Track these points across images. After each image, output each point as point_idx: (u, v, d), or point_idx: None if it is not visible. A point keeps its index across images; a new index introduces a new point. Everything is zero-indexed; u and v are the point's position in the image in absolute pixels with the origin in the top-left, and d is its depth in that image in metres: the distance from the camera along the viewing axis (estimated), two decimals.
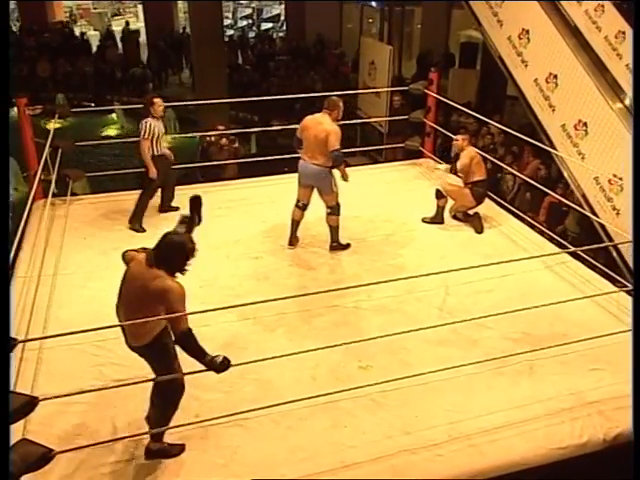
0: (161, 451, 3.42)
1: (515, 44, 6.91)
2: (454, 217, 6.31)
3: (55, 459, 3.04)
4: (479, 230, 6.06)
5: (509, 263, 4.84)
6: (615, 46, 5.83)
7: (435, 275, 4.59)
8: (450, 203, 6.26)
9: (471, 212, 6.21)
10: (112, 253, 5.63)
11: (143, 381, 3.52)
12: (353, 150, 8.81)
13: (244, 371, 4.05)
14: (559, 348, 4.20)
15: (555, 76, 6.40)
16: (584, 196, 6.16)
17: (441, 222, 6.24)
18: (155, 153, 5.94)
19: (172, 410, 3.41)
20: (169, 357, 3.38)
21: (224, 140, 8.29)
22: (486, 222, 6.24)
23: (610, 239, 5.81)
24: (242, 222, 6.31)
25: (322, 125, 5.40)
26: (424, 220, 6.26)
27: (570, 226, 6.95)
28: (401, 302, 4.93)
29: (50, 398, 3.33)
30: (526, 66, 6.83)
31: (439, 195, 6.09)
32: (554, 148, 6.48)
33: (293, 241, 5.78)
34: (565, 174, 6.34)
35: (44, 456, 2.94)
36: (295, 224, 5.77)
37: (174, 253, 3.33)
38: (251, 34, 22.23)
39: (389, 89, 9.03)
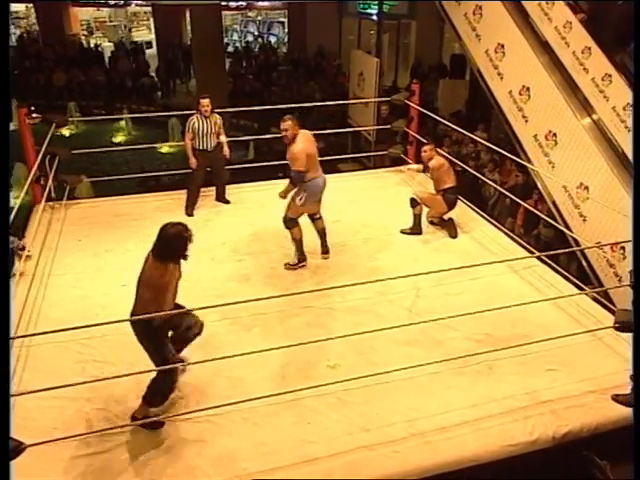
0: (144, 419, 3.55)
1: (492, 57, 6.90)
2: (431, 222, 6.29)
3: (33, 451, 3.08)
4: (453, 235, 6.04)
5: (479, 267, 4.86)
6: (582, 61, 5.79)
7: (407, 278, 4.63)
8: (426, 211, 6.24)
9: (446, 217, 6.19)
10: (104, 255, 5.68)
11: (119, 376, 3.56)
12: (341, 157, 8.85)
13: (218, 369, 4.09)
14: (518, 349, 4.18)
15: (528, 88, 6.37)
16: (554, 203, 6.13)
17: (419, 233, 6.17)
18: (197, 147, 6.32)
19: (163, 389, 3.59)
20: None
21: None
22: (461, 227, 6.22)
23: (577, 245, 5.77)
24: (230, 226, 6.33)
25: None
26: (403, 231, 6.18)
27: (543, 231, 6.92)
28: (374, 304, 4.93)
29: (27, 393, 3.37)
30: (502, 78, 6.81)
31: (414, 204, 6.07)
32: (527, 157, 6.46)
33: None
34: (537, 182, 6.30)
35: (15, 449, 2.96)
36: (320, 234, 5.65)
37: (173, 243, 3.53)
38: (256, 45, 22.27)
39: (375, 100, 9.02)
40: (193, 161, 6.36)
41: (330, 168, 8.54)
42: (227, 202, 6.78)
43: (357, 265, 5.54)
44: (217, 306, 4.52)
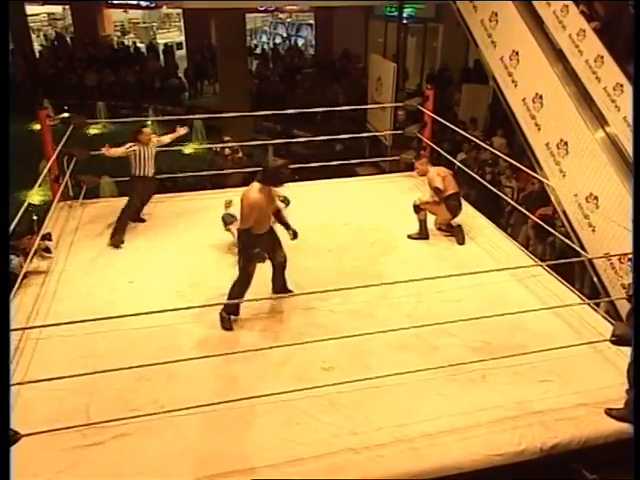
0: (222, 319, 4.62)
1: (507, 64, 6.85)
2: (439, 229, 6.28)
3: (31, 441, 3.21)
4: (460, 241, 6.02)
5: (482, 274, 4.84)
6: (594, 70, 5.71)
7: (409, 283, 4.64)
8: (431, 217, 6.23)
9: (454, 224, 6.17)
10: (114, 252, 5.84)
11: (118, 369, 3.65)
12: (354, 162, 8.87)
13: (214, 366, 4.19)
14: (514, 358, 4.15)
15: (541, 96, 6.31)
16: (565, 212, 6.06)
17: (426, 237, 6.18)
18: (137, 174, 6.12)
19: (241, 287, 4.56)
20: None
21: (227, 150, 8.44)
22: (469, 234, 6.20)
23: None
24: None
25: None
26: (410, 236, 6.20)
27: (558, 239, 6.85)
28: (374, 307, 4.95)
29: (24, 383, 3.50)
30: (516, 86, 6.76)
31: (417, 210, 6.08)
32: (539, 165, 6.39)
33: None
34: (549, 191, 6.24)
35: (11, 437, 3.09)
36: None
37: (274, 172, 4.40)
38: (284, 47, 22.44)
39: (388, 105, 9.03)
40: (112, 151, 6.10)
41: (347, 172, 8.70)
42: (143, 220, 6.48)
43: (361, 268, 5.57)
44: (219, 304, 4.67)
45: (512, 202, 6.65)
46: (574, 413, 3.80)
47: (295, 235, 4.93)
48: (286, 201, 6.29)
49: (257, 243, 4.54)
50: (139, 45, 22.38)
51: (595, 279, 5.53)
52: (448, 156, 6.87)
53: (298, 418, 3.77)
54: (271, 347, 4.29)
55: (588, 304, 4.92)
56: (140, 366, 3.77)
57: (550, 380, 4.10)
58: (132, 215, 6.19)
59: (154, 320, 4.38)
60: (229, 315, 4.70)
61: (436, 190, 5.92)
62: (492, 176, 8.77)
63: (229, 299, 4.62)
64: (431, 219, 6.26)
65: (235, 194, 7.27)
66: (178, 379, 4.06)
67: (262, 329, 4.69)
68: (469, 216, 6.60)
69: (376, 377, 3.89)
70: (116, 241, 5.89)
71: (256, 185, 4.47)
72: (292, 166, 7.35)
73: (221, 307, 4.71)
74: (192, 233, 6.33)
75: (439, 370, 4.06)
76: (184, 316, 4.63)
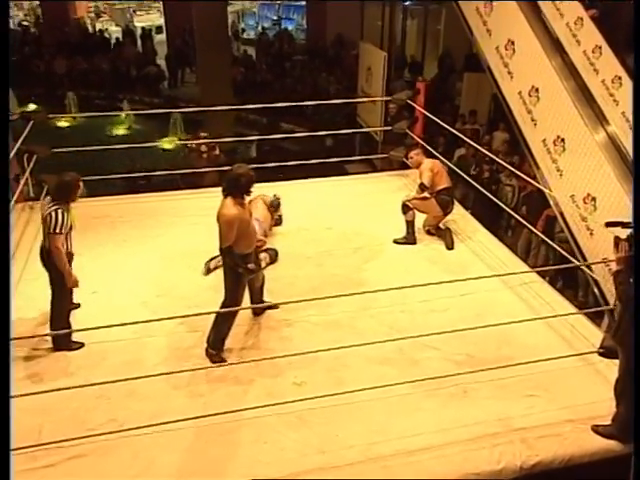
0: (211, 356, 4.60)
1: (502, 54, 6.98)
2: (427, 232, 6.44)
3: None
4: (449, 246, 6.19)
5: (470, 281, 4.98)
6: (592, 61, 5.86)
7: (392, 291, 4.79)
8: (420, 219, 6.38)
9: (443, 226, 6.33)
10: (75, 259, 5.93)
11: (73, 387, 3.78)
12: (345, 159, 9.05)
13: (178, 382, 4.34)
14: (499, 372, 4.32)
15: (537, 89, 6.46)
16: (562, 214, 6.21)
17: (413, 242, 6.33)
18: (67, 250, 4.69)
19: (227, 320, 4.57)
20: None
21: (203, 147, 8.60)
22: (459, 238, 6.37)
23: (584, 260, 5.85)
24: (212, 232, 6.41)
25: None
26: (396, 241, 6.36)
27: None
28: (353, 318, 5.11)
29: None
30: (512, 77, 6.89)
31: (405, 209, 6.24)
32: (536, 163, 6.54)
33: None
34: (546, 191, 6.39)
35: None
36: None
37: (238, 180, 4.47)
38: (273, 31, 22.59)
39: (379, 99, 9.19)
40: (75, 279, 4.67)
41: (337, 169, 8.87)
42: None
43: (342, 276, 5.72)
44: (187, 316, 4.81)
45: (504, 206, 6.77)
46: (559, 430, 3.95)
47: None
48: (275, 202, 6.45)
49: (244, 261, 4.56)
50: (114, 29, 22.53)
51: (595, 287, 5.67)
52: (439, 155, 7.00)
53: (266, 436, 3.92)
54: (240, 362, 4.44)
55: (583, 314, 5.07)
56: (100, 383, 3.93)
57: (536, 395, 4.25)
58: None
59: (116, 333, 4.56)
60: (217, 351, 4.61)
61: (421, 186, 6.07)
62: (491, 174, 8.92)
63: (214, 333, 4.59)
64: (420, 221, 6.42)
65: (210, 196, 7.52)
66: (140, 396, 4.20)
67: (231, 343, 4.81)
68: (460, 218, 6.77)
69: (350, 392, 4.05)
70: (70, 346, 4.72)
71: (227, 201, 4.45)
72: (277, 164, 7.67)
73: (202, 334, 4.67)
74: (163, 238, 6.48)
75: (418, 384, 4.24)
76: (149, 329, 4.77)
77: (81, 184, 4.73)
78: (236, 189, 4.47)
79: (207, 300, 5.33)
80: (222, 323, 4.61)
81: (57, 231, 4.48)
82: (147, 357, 4.63)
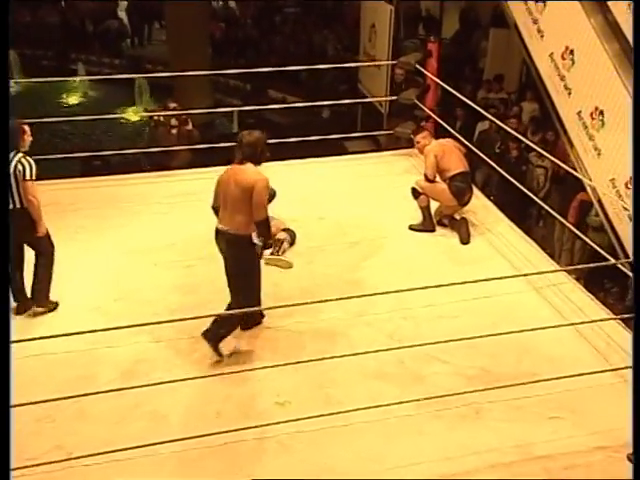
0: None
1: (531, 9, 7.10)
2: (439, 223, 6.57)
3: None
4: (464, 240, 6.32)
5: (487, 282, 5.09)
6: None
7: (393, 294, 4.91)
8: (434, 205, 6.52)
9: (458, 217, 6.45)
10: None
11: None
12: (343, 136, 9.13)
13: (139, 401, 4.46)
14: (518, 389, 4.43)
15: (572, 51, 6.56)
16: (600, 201, 6.33)
17: (432, 229, 6.50)
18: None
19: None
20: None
21: (174, 120, 8.69)
22: (477, 230, 6.49)
23: (627, 256, 5.97)
24: (182, 222, 6.69)
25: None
26: (412, 228, 6.54)
27: (591, 234, 7.15)
28: (347, 326, 5.25)
29: None
30: (542, 37, 7.01)
31: (416, 194, 6.37)
32: (570, 140, 6.66)
33: None
34: (579, 173, 6.51)
35: None
36: None
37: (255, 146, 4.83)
38: None
39: (384, 62, 9.28)
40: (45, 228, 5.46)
41: (333, 148, 8.97)
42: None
43: (335, 276, 5.86)
44: (150, 324, 4.92)
45: (528, 192, 6.86)
46: (588, 459, 4.07)
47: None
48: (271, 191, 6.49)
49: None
50: None
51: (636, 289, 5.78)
52: (454, 132, 7.11)
53: (241, 464, 4.04)
54: (211, 375, 4.56)
55: (621, 321, 5.17)
56: (43, 401, 4.03)
57: (561, 417, 4.37)
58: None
59: (64, 344, 4.65)
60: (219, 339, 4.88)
61: (425, 177, 6.22)
62: (519, 153, 9.03)
63: (218, 330, 4.84)
64: (434, 207, 6.56)
65: (181, 179, 7.67)
66: (91, 419, 4.33)
67: (203, 355, 4.95)
68: (480, 207, 6.89)
69: (342, 412, 4.18)
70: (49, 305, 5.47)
71: (250, 166, 4.84)
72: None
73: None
74: (123, 230, 6.61)
75: (423, 404, 4.36)
76: (104, 339, 4.89)
77: (27, 128, 5.29)
78: (254, 157, 4.83)
79: (174, 304, 5.50)
80: (229, 322, 4.90)
81: (31, 177, 5.14)
82: (101, 372, 4.75)
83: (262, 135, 4.96)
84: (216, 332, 4.85)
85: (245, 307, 4.71)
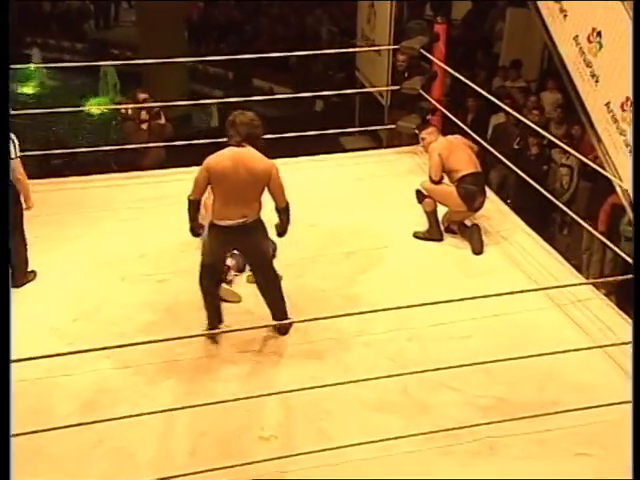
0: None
1: None
2: (447, 230, 6.57)
3: None
4: (477, 250, 6.32)
5: (503, 297, 5.07)
6: None
7: (395, 311, 4.88)
8: (442, 210, 6.51)
9: (469, 222, 6.45)
10: None
11: None
12: (338, 131, 9.12)
13: (101, 437, 4.43)
14: (539, 421, 4.42)
15: (599, 33, 6.57)
16: (632, 205, 6.32)
17: (439, 238, 6.51)
18: None
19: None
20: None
21: (144, 114, 8.66)
22: (491, 238, 6.50)
23: None
24: (154, 230, 6.69)
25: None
26: (416, 235, 6.55)
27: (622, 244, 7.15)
28: (342, 348, 5.23)
29: None
30: (565, 17, 7.01)
31: (420, 197, 6.38)
32: (597, 135, 6.65)
33: None
34: (608, 172, 6.50)
35: None
36: None
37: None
38: None
39: (385, 47, 9.29)
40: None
41: (328, 144, 8.98)
42: None
43: (329, 291, 5.86)
44: (115, 347, 4.89)
45: (549, 194, 6.86)
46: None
47: None
48: None
49: None
50: None
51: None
52: (464, 127, 7.12)
53: None
54: (185, 407, 4.52)
55: None
56: None
57: (589, 453, 4.34)
58: None
59: (16, 371, 4.59)
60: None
61: (430, 178, 6.22)
62: (540, 149, 9.03)
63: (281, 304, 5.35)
64: (442, 212, 6.55)
65: (151, 181, 7.66)
66: (47, 457, 4.29)
67: (176, 383, 4.93)
68: (495, 211, 6.89)
69: (336, 448, 4.15)
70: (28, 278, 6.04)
71: (254, 150, 5.02)
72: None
73: None
74: (85, 239, 6.61)
75: (430, 438, 4.33)
76: (62, 365, 4.85)
77: None
78: (252, 138, 5.01)
79: (141, 325, 5.47)
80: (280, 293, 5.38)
81: (16, 156, 5.73)
82: (58, 404, 4.72)
83: (253, 116, 5.07)
84: (281, 309, 5.31)
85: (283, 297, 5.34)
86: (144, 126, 8.74)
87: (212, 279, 5.30)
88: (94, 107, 13.91)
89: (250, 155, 4.98)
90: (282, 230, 5.31)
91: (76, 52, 16.33)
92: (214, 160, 5.00)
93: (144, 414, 4.28)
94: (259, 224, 5.17)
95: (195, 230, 5.25)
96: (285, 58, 13.74)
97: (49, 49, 16.45)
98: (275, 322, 5.29)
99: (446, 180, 6.39)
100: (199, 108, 13.23)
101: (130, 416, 4.33)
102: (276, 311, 5.33)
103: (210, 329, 5.28)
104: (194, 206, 5.14)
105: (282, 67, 14.38)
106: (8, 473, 3.15)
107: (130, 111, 9.03)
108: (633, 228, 3.97)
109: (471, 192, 6.27)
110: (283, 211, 5.18)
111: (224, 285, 5.70)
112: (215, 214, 5.09)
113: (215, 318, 5.34)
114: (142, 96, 8.92)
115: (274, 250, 6.06)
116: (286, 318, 5.29)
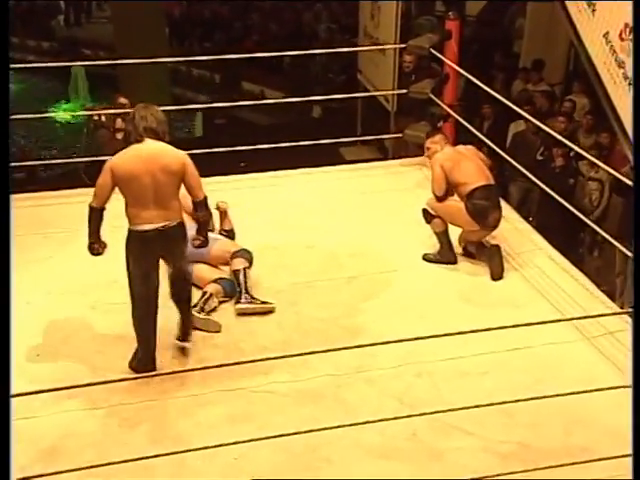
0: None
1: None
2: (464, 251, 6.56)
3: None
4: (496, 275, 6.31)
5: (526, 329, 5.05)
6: None
7: (402, 344, 4.86)
8: (455, 231, 6.51)
9: (487, 243, 6.44)
10: None
11: None
12: (337, 140, 9.12)
13: None
14: (567, 470, 4.38)
15: (632, 30, 6.60)
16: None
17: (452, 261, 6.52)
18: None
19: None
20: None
21: (119, 121, 8.68)
22: (511, 262, 6.50)
23: None
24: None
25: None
26: (426, 258, 6.56)
27: None
28: (342, 386, 5.21)
29: None
30: (594, 12, 7.04)
31: (428, 217, 6.38)
32: (629, 143, 6.66)
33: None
34: None
35: None
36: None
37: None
38: None
39: (390, 46, 9.32)
40: None
41: (326, 156, 8.99)
42: None
43: (327, 321, 5.84)
44: (83, 386, 4.87)
45: (578, 213, 6.85)
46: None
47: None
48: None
49: None
50: None
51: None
52: (480, 135, 7.13)
53: None
54: (165, 454, 4.48)
55: None
56: None
57: None
58: None
59: None
60: None
61: (434, 194, 6.28)
62: (566, 160, 9.05)
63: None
64: (455, 233, 6.56)
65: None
66: None
67: (152, 427, 4.91)
68: (514, 230, 6.88)
69: None
70: None
71: (162, 144, 5.05)
72: (236, 148, 7.73)
73: None
74: (50, 263, 6.61)
75: None
76: (20, 407, 4.78)
77: None
78: (159, 133, 5.04)
79: (114, 360, 5.42)
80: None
81: None
82: (16, 451, 4.58)
83: (160, 110, 5.18)
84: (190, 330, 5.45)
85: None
86: (119, 135, 8.74)
87: (147, 306, 5.22)
88: (62, 113, 13.90)
89: (159, 149, 5.01)
90: (203, 234, 5.33)
91: (43, 52, 16.40)
92: (118, 160, 5.03)
93: (116, 462, 4.26)
94: (183, 229, 5.19)
95: (95, 247, 5.24)
96: (278, 58, 13.82)
97: (11, 48, 16.41)
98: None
99: (456, 196, 6.38)
100: (182, 114, 13.24)
101: (99, 465, 4.30)
102: (186, 330, 5.44)
103: (137, 370, 5.15)
104: (95, 215, 5.10)
105: (275, 68, 14.46)
106: None
107: (104, 118, 9.05)
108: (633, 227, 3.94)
109: (482, 208, 6.22)
110: (200, 205, 5.17)
111: (201, 315, 5.70)
112: (132, 220, 5.04)
113: (148, 360, 5.23)
114: (123, 101, 8.95)
115: (250, 260, 6.09)
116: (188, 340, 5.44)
